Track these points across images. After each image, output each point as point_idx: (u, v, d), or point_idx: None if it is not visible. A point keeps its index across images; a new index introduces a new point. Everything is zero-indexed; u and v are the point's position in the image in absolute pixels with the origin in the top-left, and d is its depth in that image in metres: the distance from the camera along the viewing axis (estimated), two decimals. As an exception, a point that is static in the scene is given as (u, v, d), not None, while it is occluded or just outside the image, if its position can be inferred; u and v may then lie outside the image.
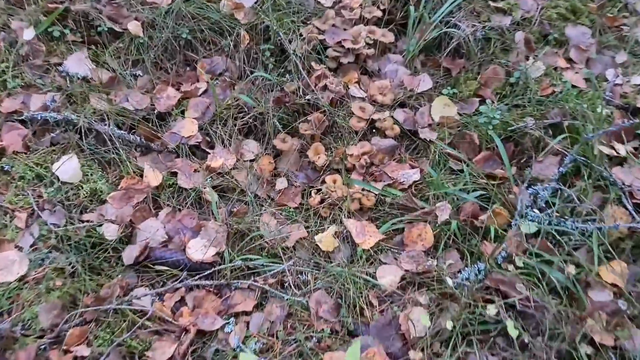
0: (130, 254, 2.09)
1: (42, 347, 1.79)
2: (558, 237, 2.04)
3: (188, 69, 2.83)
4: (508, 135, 2.42)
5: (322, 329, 1.96)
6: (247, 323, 1.99)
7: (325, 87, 2.61)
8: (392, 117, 2.58)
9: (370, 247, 2.18)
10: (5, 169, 2.18)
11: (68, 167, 2.18)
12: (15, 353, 1.74)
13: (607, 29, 2.85)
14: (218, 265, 2.13)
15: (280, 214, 2.34)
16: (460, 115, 2.59)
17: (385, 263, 2.16)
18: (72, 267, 1.97)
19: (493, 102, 2.58)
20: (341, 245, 2.22)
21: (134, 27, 2.71)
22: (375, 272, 2.11)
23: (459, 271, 2.07)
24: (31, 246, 1.98)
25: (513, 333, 1.71)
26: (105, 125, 2.38)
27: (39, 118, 2.29)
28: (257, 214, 2.29)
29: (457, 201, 2.26)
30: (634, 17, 2.90)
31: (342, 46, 2.74)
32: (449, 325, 1.79)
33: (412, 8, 2.82)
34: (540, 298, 1.85)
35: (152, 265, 2.11)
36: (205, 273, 2.08)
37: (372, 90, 2.66)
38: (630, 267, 2.02)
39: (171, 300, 2.03)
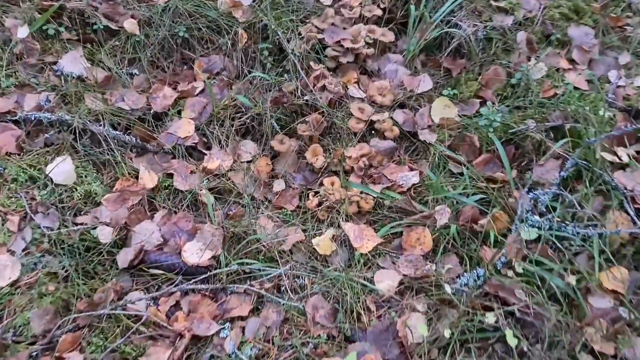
0: (124, 257, 2.06)
1: (34, 353, 1.76)
2: (559, 242, 2.01)
3: (185, 67, 2.79)
4: (509, 137, 2.39)
5: (319, 335, 1.93)
6: (243, 328, 1.97)
7: (324, 88, 2.57)
8: (391, 118, 2.55)
9: (368, 251, 2.15)
10: (-2, 170, 2.15)
11: (62, 169, 2.15)
12: (7, 360, 1.72)
13: (611, 29, 2.81)
14: (214, 269, 2.10)
15: (278, 216, 2.32)
16: (460, 116, 2.55)
17: (383, 267, 2.13)
18: (66, 272, 1.94)
19: (494, 104, 2.54)
20: (339, 249, 2.19)
21: (130, 25, 2.67)
22: (373, 277, 2.08)
23: (458, 276, 2.05)
24: (23, 250, 1.94)
25: (512, 342, 1.68)
26: (100, 125, 2.35)
27: (33, 118, 2.26)
28: (254, 217, 2.26)
29: (457, 205, 2.23)
30: (638, 17, 2.86)
31: (342, 45, 2.70)
32: (446, 333, 1.76)
33: (412, 7, 2.78)
34: (539, 305, 1.82)
35: (147, 269, 2.08)
36: (201, 277, 2.05)
37: (371, 90, 2.62)
38: (632, 273, 1.99)
39: (166, 304, 2.01)
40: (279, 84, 2.61)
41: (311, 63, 2.67)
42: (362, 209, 2.29)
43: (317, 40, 2.71)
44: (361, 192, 2.32)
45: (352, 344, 1.91)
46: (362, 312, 1.98)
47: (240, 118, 2.57)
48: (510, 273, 1.95)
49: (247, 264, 2.10)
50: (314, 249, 2.18)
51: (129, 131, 2.45)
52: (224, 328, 1.95)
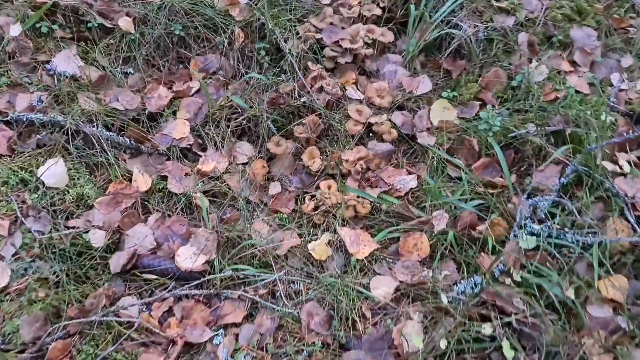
0: (117, 261, 2.04)
1: (24, 361, 1.74)
2: (558, 250, 1.98)
3: (181, 66, 2.75)
4: (509, 142, 2.35)
5: (313, 342, 1.91)
6: (237, 335, 1.94)
7: (321, 89, 2.53)
8: (389, 120, 2.51)
9: (365, 257, 2.12)
10: (-11, 173, 2.12)
11: (54, 171, 2.11)
12: (-5, 368, 1.70)
13: (614, 30, 2.76)
14: (208, 274, 2.07)
15: (273, 220, 2.28)
16: (460, 119, 2.52)
17: (379, 273, 2.10)
18: (57, 277, 1.91)
19: (494, 107, 2.50)
20: (334, 254, 2.16)
21: (125, 23, 2.63)
22: (369, 283, 2.05)
23: (455, 283, 2.02)
24: (13, 255, 1.91)
25: (509, 355, 1.66)
26: (94, 126, 2.31)
27: (25, 119, 2.22)
28: (249, 221, 2.22)
29: (455, 210, 2.20)
30: (641, 18, 2.81)
31: (340, 46, 2.66)
32: (442, 344, 1.73)
33: (412, 6, 2.73)
34: (537, 316, 1.80)
35: (139, 274, 2.05)
36: (195, 283, 2.02)
37: (369, 92, 2.58)
38: (631, 282, 1.96)
39: (159, 310, 1.98)
40: (275, 84, 2.57)
41: (309, 63, 2.62)
42: (358, 213, 2.26)
43: (315, 40, 2.67)
44: (358, 196, 2.29)
45: (347, 352, 1.89)
46: (358, 319, 1.96)
47: (236, 119, 2.53)
48: (508, 281, 1.93)
49: (242, 269, 2.07)
50: (309, 254, 2.15)
51: (122, 132, 2.41)
52: (217, 335, 1.93)
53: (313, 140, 2.48)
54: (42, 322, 1.79)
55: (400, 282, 2.05)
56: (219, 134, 2.50)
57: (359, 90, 2.62)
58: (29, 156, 2.19)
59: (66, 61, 2.47)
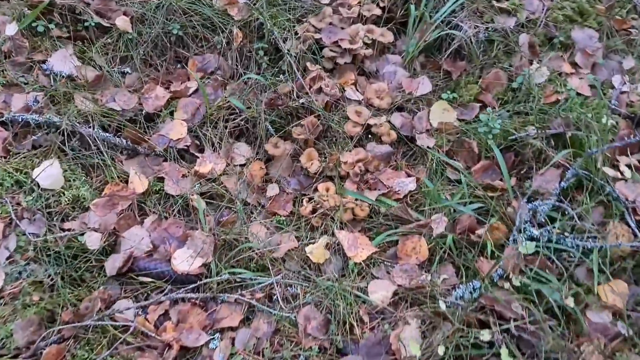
0: (113, 264, 2.02)
1: (18, 366, 1.73)
2: (557, 255, 1.96)
3: (179, 66, 2.73)
4: (509, 144, 2.33)
5: (310, 347, 1.89)
6: (233, 339, 1.93)
7: (320, 90, 2.51)
8: (388, 122, 2.49)
9: (362, 260, 2.11)
10: (-17, 175, 2.10)
11: (49, 173, 2.09)
12: (-12, 373, 1.68)
13: (615, 32, 2.73)
14: (204, 277, 2.05)
15: (271, 222, 2.27)
16: (459, 121, 2.49)
17: (377, 277, 2.08)
18: (51, 280, 1.89)
19: (494, 108, 2.48)
20: (332, 258, 2.14)
21: (122, 22, 2.60)
22: (366, 287, 2.04)
23: (454, 287, 2.00)
24: (8, 258, 1.89)
25: (507, 362, 1.64)
26: (90, 127, 2.29)
27: (20, 120, 2.19)
28: (246, 225, 2.20)
29: (454, 213, 2.18)
30: (644, 19, 2.79)
31: (339, 46, 2.63)
32: (440, 350, 1.72)
33: (412, 7, 2.71)
34: (536, 322, 1.78)
35: (135, 277, 2.03)
36: (191, 286, 2.01)
37: (368, 93, 2.56)
38: (631, 287, 1.95)
39: (155, 313, 1.96)
40: (274, 85, 2.55)
41: (308, 64, 2.60)
42: (357, 216, 2.24)
43: (314, 40, 2.65)
44: (356, 199, 2.27)
45: (344, 356, 1.88)
46: (355, 323, 1.94)
47: (234, 120, 2.51)
48: (507, 285, 1.91)
49: (239, 273, 2.06)
50: (307, 257, 2.13)
51: (119, 133, 2.39)
52: (213, 339, 1.92)
53: (311, 141, 2.46)
54: (36, 326, 1.77)
55: (399, 286, 2.03)
56: (216, 135, 2.47)
57: (358, 91, 2.60)
58: (24, 157, 2.16)
59: (63, 61, 2.45)
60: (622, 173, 2.05)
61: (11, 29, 2.42)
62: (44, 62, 2.43)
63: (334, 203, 2.23)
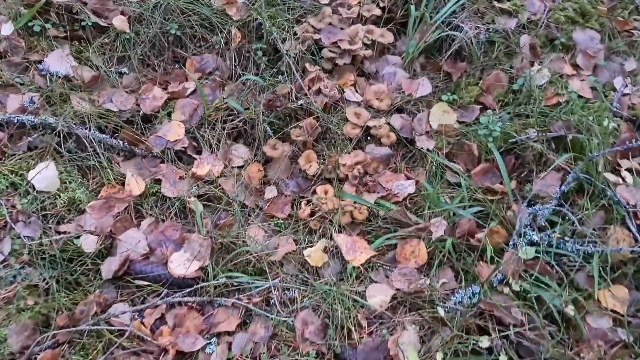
0: (109, 267, 2.00)
1: (12, 371, 1.71)
2: (558, 259, 1.95)
3: (176, 66, 2.70)
4: (509, 147, 2.31)
5: (308, 352, 1.87)
6: (230, 344, 1.91)
7: (319, 91, 2.48)
8: (388, 123, 2.47)
9: (361, 264, 2.09)
10: (-22, 177, 2.07)
11: (45, 175, 2.07)
12: (-18, 378, 1.66)
13: (617, 33, 2.71)
14: (201, 280, 2.03)
15: (269, 224, 2.25)
16: (459, 123, 2.47)
17: (375, 281, 2.07)
18: (46, 284, 1.87)
19: (494, 110, 2.46)
20: (330, 261, 2.13)
21: (119, 21, 2.58)
22: (365, 291, 2.02)
23: (453, 292, 1.99)
24: (2, 262, 1.87)
25: (506, 369, 1.63)
26: (86, 128, 2.26)
27: (16, 121, 2.17)
28: (243, 228, 2.18)
29: (454, 216, 2.16)
30: (646, 21, 2.76)
31: (338, 47, 2.61)
32: (439, 357, 1.70)
33: (413, 7, 2.68)
34: (535, 329, 1.76)
35: (132, 280, 2.02)
36: (188, 290, 1.99)
37: (368, 94, 2.54)
38: (632, 293, 1.93)
39: (151, 317, 1.94)
40: (272, 86, 2.53)
41: (307, 64, 2.58)
42: (355, 219, 2.22)
43: (313, 41, 2.62)
44: (355, 202, 2.25)
45: (341, 363, 1.87)
46: (353, 328, 1.92)
47: (232, 121, 2.48)
48: (506, 290, 1.89)
49: (236, 276, 2.04)
50: (305, 260, 2.11)
51: (116, 134, 2.37)
52: (210, 343, 1.90)
53: (310, 143, 2.44)
54: (31, 331, 1.76)
55: (397, 290, 2.02)
56: (214, 136, 2.45)
57: (357, 92, 2.57)
58: (20, 159, 2.14)
59: (59, 61, 2.42)
60: (623, 179, 2.03)
61: (7, 28, 2.40)
62: (40, 62, 2.41)
63: (333, 206, 2.21)
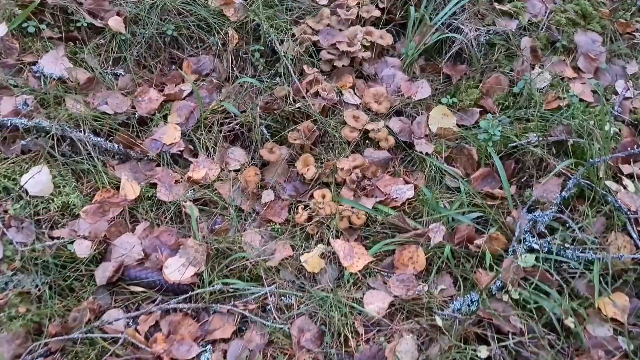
0: (103, 273, 1.97)
1: (3, 380, 1.68)
2: (558, 266, 1.92)
3: (173, 67, 2.67)
4: (509, 152, 2.28)
5: (304, 360, 1.85)
6: (225, 351, 1.89)
7: (317, 94, 2.45)
8: (387, 127, 2.44)
9: (358, 270, 2.06)
10: (-30, 182, 2.04)
11: (38, 180, 2.04)
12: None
13: (619, 35, 2.68)
14: (196, 287, 2.01)
15: (266, 229, 2.22)
16: (459, 126, 2.44)
17: (373, 288, 2.04)
18: (39, 290, 1.84)
19: (495, 114, 2.43)
20: (328, 267, 2.10)
21: (115, 22, 2.54)
22: (362, 298, 1.99)
23: (451, 298, 1.96)
24: (-6, 269, 1.85)
25: (505, 380, 1.60)
26: (81, 131, 2.23)
27: (9, 124, 2.14)
28: (240, 233, 2.16)
29: (452, 222, 2.14)
30: (648, 23, 2.73)
31: (337, 48, 2.57)
32: (437, 367, 1.68)
33: (412, 8, 2.65)
34: (535, 339, 1.74)
35: (126, 286, 1.99)
36: (183, 296, 1.96)
37: (367, 97, 2.51)
38: (633, 300, 1.90)
39: (145, 324, 1.92)
40: (270, 88, 2.50)
41: (305, 67, 2.55)
42: (353, 224, 2.19)
43: (312, 42, 2.59)
44: (353, 207, 2.22)
45: (338, 370, 1.84)
46: (350, 335, 1.90)
47: (229, 124, 2.46)
48: (505, 298, 1.87)
49: (232, 283, 2.01)
50: (301, 266, 2.09)
51: (111, 137, 2.34)
52: (205, 351, 1.88)
53: (308, 147, 2.41)
54: (23, 339, 1.73)
55: (395, 296, 1.99)
56: (210, 139, 2.42)
57: (356, 94, 2.54)
58: (13, 163, 2.11)
59: (54, 62, 2.39)
60: (625, 187, 2.00)
61: (1, 29, 2.36)
62: (34, 63, 2.37)
63: (330, 211, 2.19)
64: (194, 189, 2.26)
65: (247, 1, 2.67)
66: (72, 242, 1.98)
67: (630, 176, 2.11)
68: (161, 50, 2.64)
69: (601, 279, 1.88)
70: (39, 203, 2.03)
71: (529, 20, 2.64)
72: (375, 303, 1.98)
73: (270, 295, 2.00)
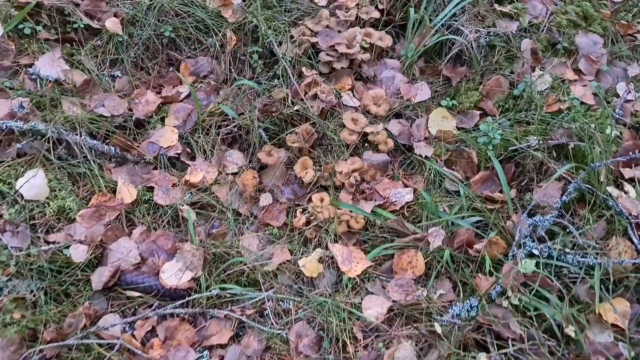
0: (99, 278, 1.95)
1: (-3, 387, 1.67)
2: (558, 270, 1.90)
3: (171, 69, 2.65)
4: (509, 155, 2.26)
5: (302, 366, 1.83)
6: (222, 357, 1.87)
7: (315, 96, 2.43)
8: (386, 129, 2.42)
9: (357, 275, 2.04)
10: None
11: (33, 184, 2.02)
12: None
13: (620, 37, 2.65)
14: (193, 291, 1.99)
15: (263, 233, 2.20)
16: (459, 129, 2.42)
17: (372, 293, 2.02)
18: (34, 296, 1.83)
19: (495, 116, 2.41)
20: (326, 272, 2.08)
21: (112, 24, 2.52)
22: (360, 303, 1.98)
23: (450, 303, 1.95)
24: (-12, 275, 1.83)
25: (504, 389, 1.59)
26: (77, 134, 2.21)
27: (4, 127, 2.12)
28: (237, 237, 2.14)
29: (452, 226, 2.12)
30: (650, 24, 2.71)
31: (336, 50, 2.55)
32: (435, 374, 1.66)
33: (412, 10, 2.63)
34: (535, 346, 1.72)
35: (122, 291, 1.97)
36: (180, 301, 1.94)
37: (365, 99, 2.49)
38: (634, 306, 1.89)
39: (142, 329, 1.90)
40: (268, 90, 2.48)
41: (303, 68, 2.53)
42: (352, 228, 2.17)
43: (310, 44, 2.57)
44: (351, 211, 2.20)
45: (336, 377, 1.82)
46: (348, 341, 1.88)
47: (226, 126, 2.44)
48: (505, 303, 1.85)
49: (229, 288, 1.99)
50: (299, 270, 2.07)
51: (107, 140, 2.32)
52: (202, 357, 1.86)
53: (306, 150, 2.39)
54: (17, 345, 1.71)
55: (394, 302, 1.97)
56: (208, 142, 2.40)
57: (355, 97, 2.52)
58: (8, 166, 2.09)
59: (50, 64, 2.36)
60: (626, 192, 1.98)
61: (-3, 31, 2.34)
62: (30, 65, 2.35)
63: (329, 215, 2.17)
64: (191, 193, 2.25)
65: (246, 2, 2.64)
66: (68, 247, 1.96)
67: (632, 180, 2.09)
68: (158, 52, 2.62)
69: (602, 284, 1.86)
70: (35, 207, 2.01)
71: (529, 22, 2.62)
72: (374, 308, 1.97)
73: (268, 300, 1.98)
